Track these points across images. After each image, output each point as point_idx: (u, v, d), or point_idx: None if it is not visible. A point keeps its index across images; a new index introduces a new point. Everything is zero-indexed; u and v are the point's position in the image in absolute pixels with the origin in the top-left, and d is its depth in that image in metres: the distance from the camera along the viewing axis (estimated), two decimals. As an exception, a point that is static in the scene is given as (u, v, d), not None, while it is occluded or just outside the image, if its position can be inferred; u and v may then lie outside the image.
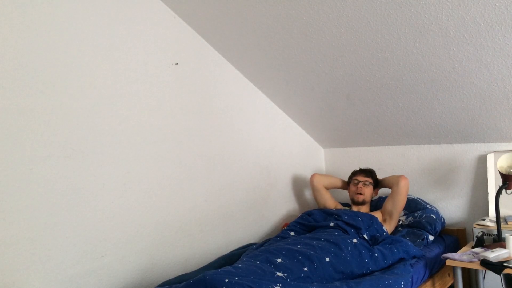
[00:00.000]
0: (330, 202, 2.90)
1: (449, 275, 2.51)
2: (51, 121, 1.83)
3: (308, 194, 3.34)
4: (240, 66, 2.72)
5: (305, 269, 1.98)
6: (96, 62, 2.00)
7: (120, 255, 2.07)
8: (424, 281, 2.28)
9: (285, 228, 2.98)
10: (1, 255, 1.67)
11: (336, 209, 2.70)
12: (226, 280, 1.64)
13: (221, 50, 2.60)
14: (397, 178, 2.68)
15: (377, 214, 2.68)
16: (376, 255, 2.18)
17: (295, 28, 2.21)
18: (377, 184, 2.85)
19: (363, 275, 2.10)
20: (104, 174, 2.02)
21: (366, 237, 2.39)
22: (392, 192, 2.70)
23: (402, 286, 1.99)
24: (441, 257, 2.26)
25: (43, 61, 1.82)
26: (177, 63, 2.38)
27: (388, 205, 2.68)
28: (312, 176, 2.94)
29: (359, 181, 2.79)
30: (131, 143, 2.14)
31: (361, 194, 2.75)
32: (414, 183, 3.03)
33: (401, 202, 2.65)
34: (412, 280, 2.12)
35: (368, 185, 2.78)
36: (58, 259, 1.84)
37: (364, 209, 2.77)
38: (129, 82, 2.14)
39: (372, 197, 2.83)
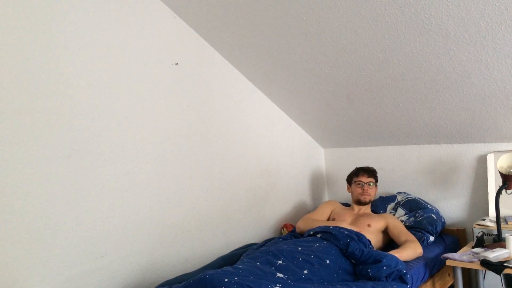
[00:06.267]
0: (322, 218, 2.76)
1: (449, 275, 2.51)
2: (51, 121, 1.83)
3: (307, 194, 3.35)
4: (240, 66, 2.72)
5: (305, 271, 1.98)
6: (96, 62, 2.00)
7: (120, 255, 2.07)
8: (424, 281, 2.28)
9: (284, 229, 2.99)
10: (1, 255, 1.67)
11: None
12: (226, 280, 1.64)
13: (221, 50, 2.60)
14: (415, 249, 2.39)
15: (381, 222, 2.61)
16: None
17: (295, 28, 2.21)
18: (377, 181, 2.87)
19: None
20: (104, 174, 2.02)
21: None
22: (405, 244, 2.44)
23: None
24: (441, 257, 2.26)
25: (43, 61, 1.82)
26: (177, 63, 2.38)
27: (396, 238, 2.55)
28: (297, 225, 2.69)
29: (364, 183, 2.78)
30: (131, 143, 2.14)
31: (367, 195, 2.75)
32: (414, 183, 3.03)
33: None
34: (412, 280, 2.12)
35: (372, 185, 2.79)
36: (58, 259, 1.84)
37: (365, 208, 2.77)
38: (129, 82, 2.14)
39: (374, 196, 2.84)
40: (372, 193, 2.79)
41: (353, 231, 2.31)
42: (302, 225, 2.65)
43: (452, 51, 2.07)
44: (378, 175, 2.88)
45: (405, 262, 2.24)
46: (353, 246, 2.14)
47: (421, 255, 2.39)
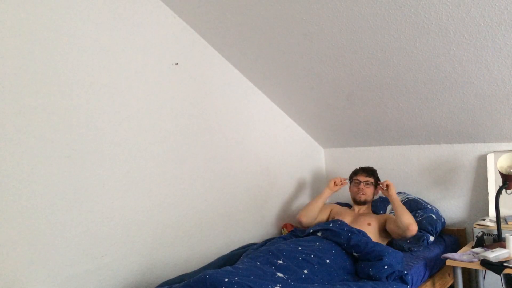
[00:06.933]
0: (324, 216, 2.80)
1: (449, 275, 2.51)
2: (51, 121, 1.84)
3: (307, 194, 3.35)
4: (240, 66, 2.72)
5: (305, 271, 1.98)
6: (96, 62, 2.00)
7: (120, 255, 2.07)
8: (424, 281, 2.28)
9: (284, 229, 2.98)
10: (1, 255, 1.67)
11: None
12: (226, 280, 1.64)
13: (221, 50, 2.60)
14: (408, 224, 2.41)
15: (382, 221, 2.61)
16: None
17: (295, 28, 2.21)
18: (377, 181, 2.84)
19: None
20: (104, 174, 2.02)
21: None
22: (396, 223, 2.47)
23: None
24: (441, 257, 2.26)
25: (43, 61, 1.82)
26: (177, 63, 2.38)
27: (391, 226, 2.53)
28: (298, 217, 2.78)
29: (361, 181, 2.77)
30: (131, 143, 2.14)
31: (363, 194, 2.74)
32: (414, 183, 3.03)
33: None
34: (412, 280, 2.12)
35: (369, 185, 2.76)
36: (58, 259, 1.84)
37: (365, 209, 2.77)
38: (129, 82, 2.14)
39: (373, 196, 2.83)
40: (368, 193, 2.76)
41: (353, 227, 2.32)
42: (303, 215, 2.72)
43: (452, 51, 2.07)
44: (378, 175, 2.87)
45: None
46: (356, 238, 2.15)
47: (413, 232, 2.39)
